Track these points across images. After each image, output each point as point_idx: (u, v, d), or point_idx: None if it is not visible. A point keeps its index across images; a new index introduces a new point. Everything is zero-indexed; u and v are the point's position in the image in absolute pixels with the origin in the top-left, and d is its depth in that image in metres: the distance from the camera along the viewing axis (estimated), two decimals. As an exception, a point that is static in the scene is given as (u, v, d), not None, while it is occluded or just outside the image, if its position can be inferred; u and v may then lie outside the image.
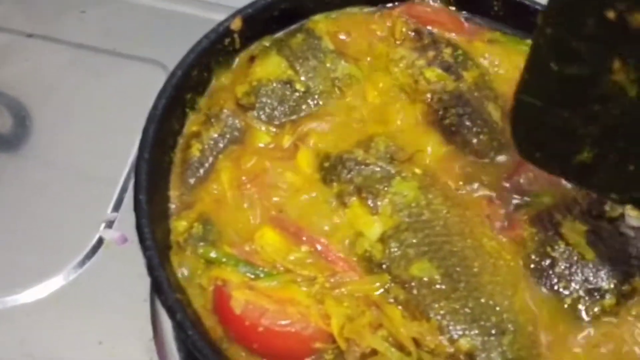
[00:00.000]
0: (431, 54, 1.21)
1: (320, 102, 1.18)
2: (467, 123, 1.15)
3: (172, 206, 1.06)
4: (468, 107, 1.15)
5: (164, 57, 1.47)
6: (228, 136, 1.13)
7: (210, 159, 1.11)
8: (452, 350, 0.95)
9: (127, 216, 1.28)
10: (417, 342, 0.94)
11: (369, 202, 1.06)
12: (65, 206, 1.32)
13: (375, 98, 1.19)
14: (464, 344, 0.95)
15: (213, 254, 0.99)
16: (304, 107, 1.17)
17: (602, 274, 1.02)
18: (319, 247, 1.02)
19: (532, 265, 1.04)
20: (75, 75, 1.50)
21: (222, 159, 1.11)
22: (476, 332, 0.96)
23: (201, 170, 1.10)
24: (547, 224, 1.06)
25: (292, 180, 1.09)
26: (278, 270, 0.99)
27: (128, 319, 1.19)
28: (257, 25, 1.22)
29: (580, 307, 1.01)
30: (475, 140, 1.14)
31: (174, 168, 1.10)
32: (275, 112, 1.16)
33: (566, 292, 1.01)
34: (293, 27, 1.25)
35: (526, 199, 1.10)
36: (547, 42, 0.83)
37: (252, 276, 0.97)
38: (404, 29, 1.25)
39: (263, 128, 1.15)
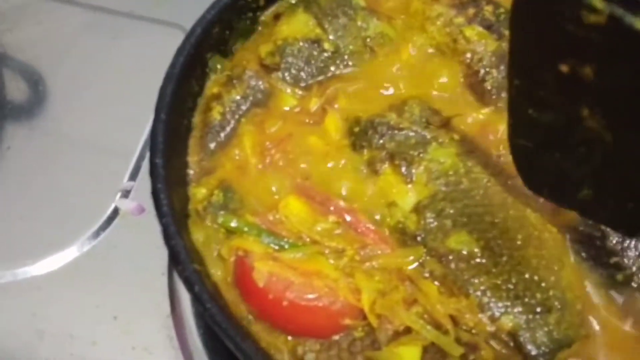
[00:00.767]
0: (471, 11, 1.13)
1: (350, 63, 1.11)
2: (510, 85, 1.06)
3: (191, 172, 1.01)
4: (511, 69, 1.07)
5: (184, 20, 1.39)
6: (251, 98, 1.06)
7: (232, 123, 1.05)
8: (493, 329, 0.88)
9: (144, 185, 1.22)
10: (454, 320, 0.88)
11: (403, 169, 0.99)
12: (80, 175, 1.27)
13: (410, 59, 1.12)
14: (507, 322, 0.88)
15: (234, 223, 0.93)
16: (332, 68, 1.10)
17: (659, 248, 0.93)
18: (347, 218, 0.95)
19: (580, 239, 0.96)
20: (90, 39, 1.45)
21: (244, 123, 1.05)
22: (520, 309, 0.88)
23: (222, 135, 1.03)
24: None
25: (319, 146, 1.03)
26: (304, 242, 0.93)
27: (144, 293, 1.14)
28: (283, -19, 1.14)
29: (634, 284, 0.92)
30: (518, 104, 1.06)
31: (193, 132, 1.04)
32: (302, 74, 1.09)
33: (618, 268, 0.93)
34: (322, -18, 1.18)
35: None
36: (518, 92, 0.86)
37: (276, 247, 0.91)
38: (441, -16, 1.17)
39: (288, 90, 1.08)
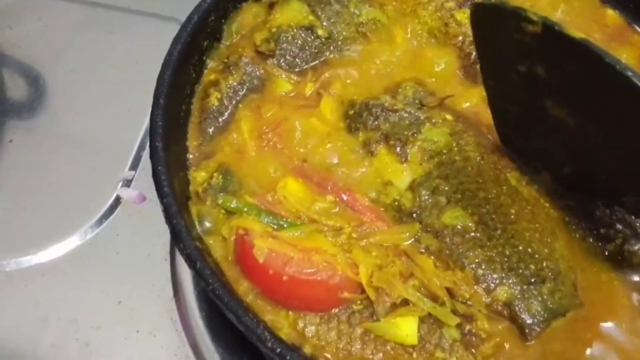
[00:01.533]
0: (462, -6, 1.15)
1: (344, 49, 1.13)
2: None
3: (191, 156, 1.02)
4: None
5: (180, 13, 1.40)
6: (248, 85, 1.08)
7: (230, 108, 1.06)
8: (488, 300, 0.90)
9: (145, 175, 1.24)
10: (450, 292, 0.90)
11: (397, 149, 1.01)
12: (82, 165, 1.28)
13: (402, 43, 1.14)
14: (502, 293, 0.90)
15: (234, 204, 0.95)
16: (326, 53, 1.12)
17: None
18: (344, 197, 0.97)
19: (571, 212, 0.98)
20: (88, 33, 1.47)
21: (241, 108, 1.07)
22: (514, 280, 0.91)
23: (220, 120, 1.05)
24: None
25: (316, 129, 1.04)
26: (302, 221, 0.94)
27: (147, 278, 1.16)
28: (276, -30, 1.16)
29: (625, 253, 0.94)
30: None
31: (192, 118, 1.06)
32: (297, 60, 1.11)
33: (609, 239, 0.95)
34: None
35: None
36: (492, 91, 0.98)
37: (275, 226, 0.93)
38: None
39: (284, 76, 1.10)
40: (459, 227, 0.94)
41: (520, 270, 0.91)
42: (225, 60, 1.10)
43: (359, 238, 0.93)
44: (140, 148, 1.30)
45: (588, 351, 0.89)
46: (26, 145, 1.31)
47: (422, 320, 0.87)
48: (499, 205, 0.96)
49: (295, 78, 1.10)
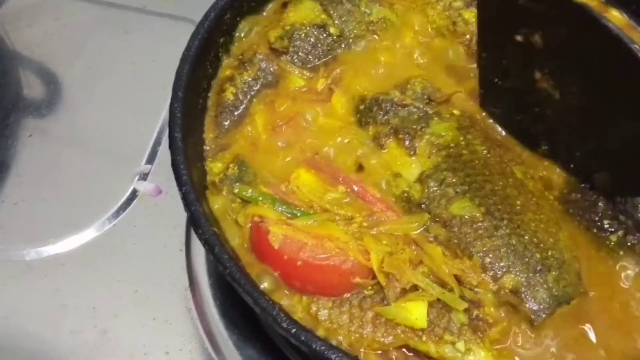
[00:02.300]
0: (469, -5, 1.18)
1: (355, 46, 1.17)
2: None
3: (207, 148, 1.06)
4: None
5: (194, 14, 1.43)
6: (262, 80, 1.12)
7: (245, 103, 1.10)
8: (495, 287, 0.93)
9: (161, 169, 1.29)
10: (458, 280, 0.92)
11: (406, 143, 1.04)
12: (99, 160, 1.31)
13: (411, 41, 1.17)
14: (508, 280, 0.93)
15: (249, 193, 0.98)
16: (338, 51, 1.16)
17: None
18: (355, 188, 1.00)
19: (575, 204, 1.01)
20: (105, 32, 1.50)
21: (256, 103, 1.10)
22: (520, 268, 0.93)
23: (235, 114, 1.09)
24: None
25: (327, 123, 1.08)
26: (315, 210, 0.97)
27: (163, 268, 1.19)
28: (290, -30, 1.20)
29: (628, 243, 0.97)
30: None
31: (208, 111, 1.09)
32: (309, 56, 1.14)
33: (611, 229, 0.98)
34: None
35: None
36: (486, 64, 1.05)
37: (289, 215, 0.96)
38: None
39: (297, 72, 1.13)
40: (466, 217, 0.97)
41: (526, 259, 0.94)
42: (240, 57, 1.14)
43: (369, 227, 0.96)
44: (156, 143, 1.33)
45: (591, 337, 0.92)
46: (46, 140, 1.34)
47: (431, 305, 0.89)
48: (505, 196, 0.99)
49: (307, 74, 1.13)
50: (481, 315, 0.90)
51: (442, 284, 0.91)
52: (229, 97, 1.09)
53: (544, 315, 0.91)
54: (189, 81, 1.02)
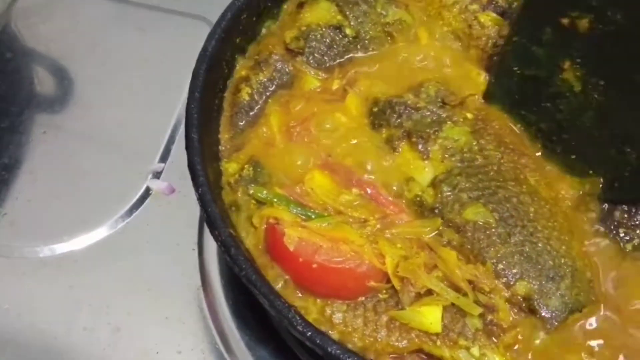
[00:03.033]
0: (485, -3, 1.18)
1: (370, 48, 1.16)
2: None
3: (222, 148, 1.06)
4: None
5: (208, 12, 1.46)
6: (277, 81, 1.12)
7: (260, 103, 1.10)
8: (508, 294, 0.93)
9: (175, 167, 1.29)
10: (472, 285, 0.92)
11: (419, 146, 1.04)
12: (112, 158, 1.32)
13: (427, 44, 1.17)
14: (521, 287, 0.93)
15: (264, 194, 0.98)
16: (353, 52, 1.16)
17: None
18: (369, 191, 1.00)
19: (589, 212, 1.01)
20: (118, 30, 1.50)
21: (271, 103, 1.10)
22: (533, 276, 0.94)
23: (251, 114, 1.09)
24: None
25: (341, 124, 1.08)
26: (329, 212, 0.97)
27: (176, 267, 1.19)
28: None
29: (641, 253, 0.97)
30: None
31: (224, 112, 1.09)
32: (325, 57, 1.14)
33: (627, 238, 0.99)
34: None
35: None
36: (514, 49, 1.05)
37: (304, 217, 0.96)
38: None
39: (312, 72, 1.13)
40: (480, 223, 0.97)
41: (539, 266, 0.94)
42: (256, 57, 1.14)
43: (382, 229, 0.96)
44: (170, 141, 1.33)
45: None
46: (59, 137, 1.35)
47: (445, 310, 0.90)
48: (518, 203, 0.99)
49: (322, 75, 1.14)
50: (495, 320, 0.91)
51: (456, 289, 0.91)
52: (245, 97, 1.09)
53: (556, 323, 0.92)
54: (205, 81, 1.02)
